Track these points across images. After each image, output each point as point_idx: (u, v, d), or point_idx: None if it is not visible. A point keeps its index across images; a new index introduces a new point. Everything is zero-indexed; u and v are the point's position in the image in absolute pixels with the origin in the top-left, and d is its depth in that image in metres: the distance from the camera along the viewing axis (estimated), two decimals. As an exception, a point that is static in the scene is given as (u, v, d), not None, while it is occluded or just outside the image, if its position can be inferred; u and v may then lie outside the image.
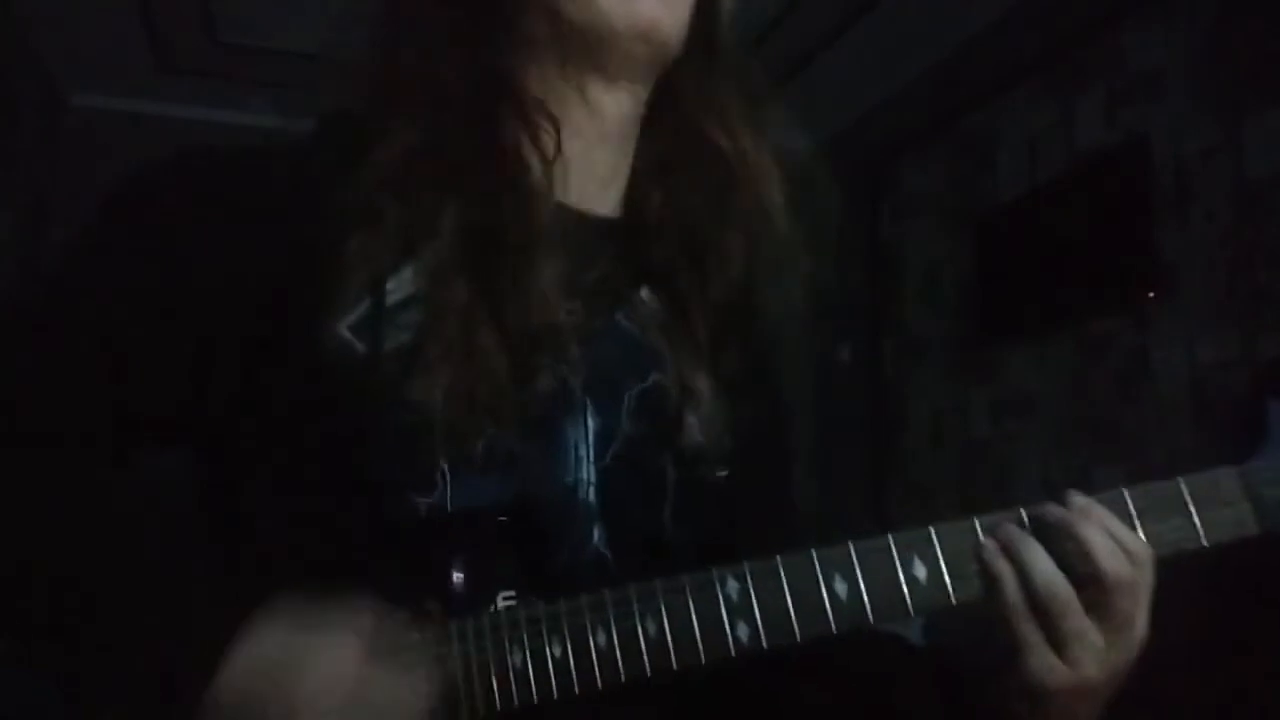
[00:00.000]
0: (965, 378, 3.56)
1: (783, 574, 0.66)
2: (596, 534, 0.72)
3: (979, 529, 0.66)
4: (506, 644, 0.65)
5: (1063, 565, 0.64)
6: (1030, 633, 0.64)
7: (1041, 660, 0.64)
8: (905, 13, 3.49)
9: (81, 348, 0.68)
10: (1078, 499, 0.66)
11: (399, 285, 0.68)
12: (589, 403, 0.73)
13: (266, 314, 0.67)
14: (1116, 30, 3.00)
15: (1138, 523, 0.67)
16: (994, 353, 3.40)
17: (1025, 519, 0.66)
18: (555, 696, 0.64)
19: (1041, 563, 0.63)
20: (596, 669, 0.65)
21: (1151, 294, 2.78)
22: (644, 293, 0.78)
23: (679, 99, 0.79)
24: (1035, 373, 3.23)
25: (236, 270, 0.67)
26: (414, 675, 0.61)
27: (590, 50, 0.72)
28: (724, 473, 0.78)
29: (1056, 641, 0.63)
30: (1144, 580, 0.65)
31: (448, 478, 0.67)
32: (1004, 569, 0.64)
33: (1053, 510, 0.66)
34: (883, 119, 4.14)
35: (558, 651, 0.65)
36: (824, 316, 4.40)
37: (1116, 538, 0.64)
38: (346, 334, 0.67)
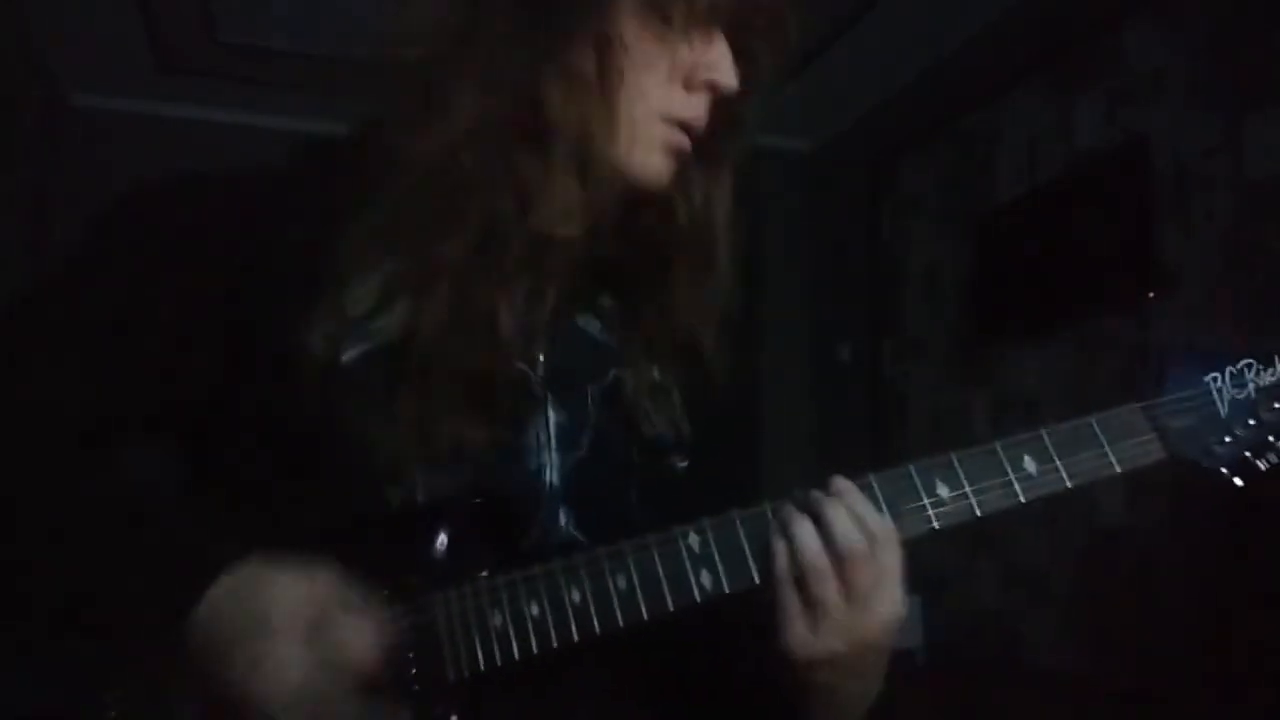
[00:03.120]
0: (965, 378, 3.56)
1: (739, 525, 0.72)
2: (563, 516, 0.79)
3: (769, 512, 0.74)
4: (487, 608, 0.71)
5: (825, 540, 0.71)
6: (790, 600, 0.70)
7: (795, 629, 0.70)
8: (905, 13, 3.49)
9: (84, 349, 0.75)
10: (839, 482, 0.73)
11: (363, 297, 0.75)
12: (550, 397, 0.81)
13: (243, 323, 0.74)
14: (1116, 30, 3.00)
15: (1057, 458, 0.74)
16: (994, 353, 3.40)
17: (800, 500, 0.73)
18: (535, 651, 0.70)
19: (807, 537, 0.70)
20: (572, 623, 0.71)
21: (1151, 294, 2.78)
22: (604, 299, 0.87)
23: None
24: (1035, 373, 3.23)
25: (218, 284, 0.75)
26: (375, 612, 0.68)
27: (594, 172, 0.77)
28: (684, 464, 0.87)
29: (808, 608, 0.70)
30: (884, 558, 0.70)
31: (418, 471, 0.74)
32: (779, 543, 0.71)
33: (815, 493, 0.73)
34: (883, 119, 4.14)
35: (535, 611, 0.71)
36: (824, 316, 4.40)
37: (858, 517, 0.71)
38: (314, 341, 0.73)
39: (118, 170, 4.47)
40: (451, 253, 0.75)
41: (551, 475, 0.80)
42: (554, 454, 0.80)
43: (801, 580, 0.70)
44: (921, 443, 3.75)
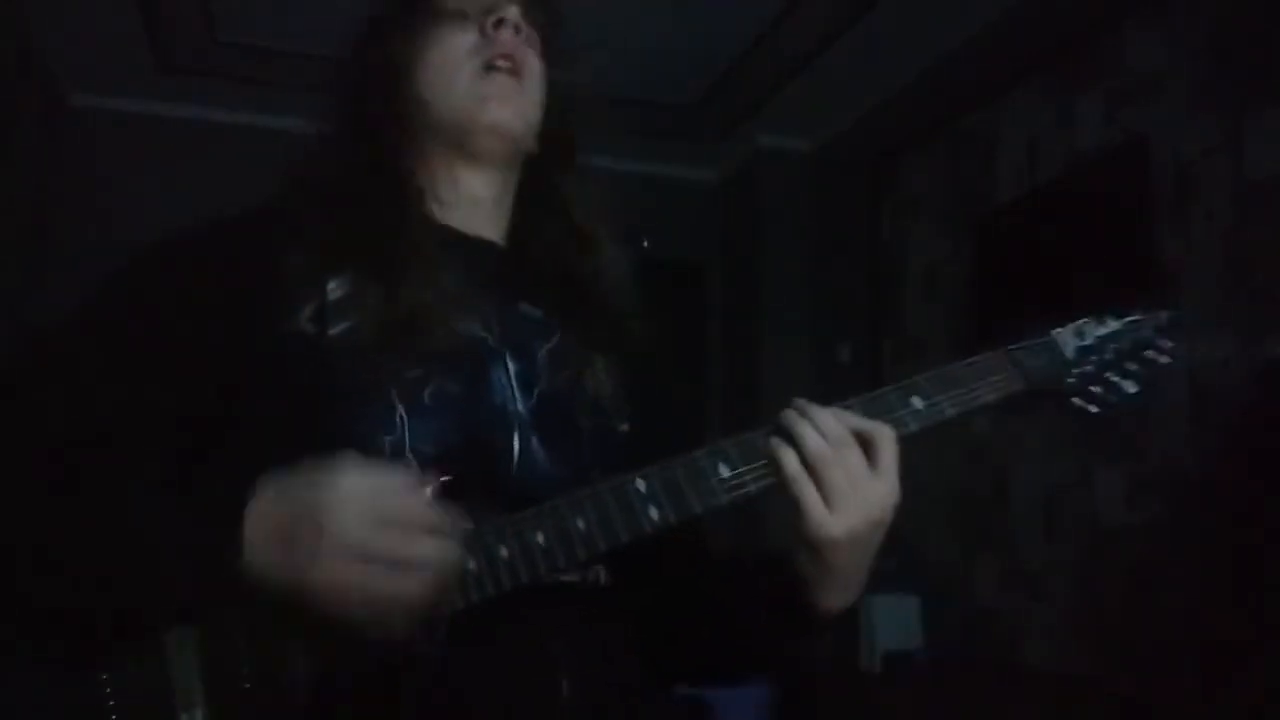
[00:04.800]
0: (965, 378, 3.56)
1: (678, 467, 0.84)
2: (536, 443, 0.91)
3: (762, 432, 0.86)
4: (463, 555, 0.78)
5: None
6: (806, 490, 0.83)
7: (817, 513, 0.83)
8: (905, 13, 3.49)
9: (124, 359, 0.86)
10: (799, 401, 0.88)
11: (337, 287, 0.89)
12: (507, 353, 0.95)
13: (247, 319, 0.87)
14: (1116, 30, 3.00)
15: (937, 395, 0.90)
16: (994, 353, 3.40)
17: (791, 411, 0.87)
18: (506, 589, 0.79)
19: (809, 433, 0.84)
20: (540, 562, 0.80)
21: (1151, 294, 2.78)
22: (538, 293, 1.01)
23: (546, 178, 1.06)
24: (1035, 373, 3.23)
25: (229, 295, 0.89)
26: (419, 494, 0.76)
27: (457, 139, 0.98)
28: (625, 427, 0.99)
29: (822, 494, 0.83)
30: (874, 445, 0.85)
31: (405, 419, 0.85)
32: (784, 449, 0.84)
33: (798, 403, 0.87)
34: (883, 119, 4.14)
35: (505, 553, 0.79)
36: (824, 316, 4.40)
37: (838, 415, 0.86)
38: (304, 324, 0.87)
39: (118, 170, 4.45)
40: (395, 255, 0.91)
41: (517, 407, 0.92)
42: (517, 392, 0.93)
43: (811, 469, 0.83)
44: (920, 442, 3.74)
